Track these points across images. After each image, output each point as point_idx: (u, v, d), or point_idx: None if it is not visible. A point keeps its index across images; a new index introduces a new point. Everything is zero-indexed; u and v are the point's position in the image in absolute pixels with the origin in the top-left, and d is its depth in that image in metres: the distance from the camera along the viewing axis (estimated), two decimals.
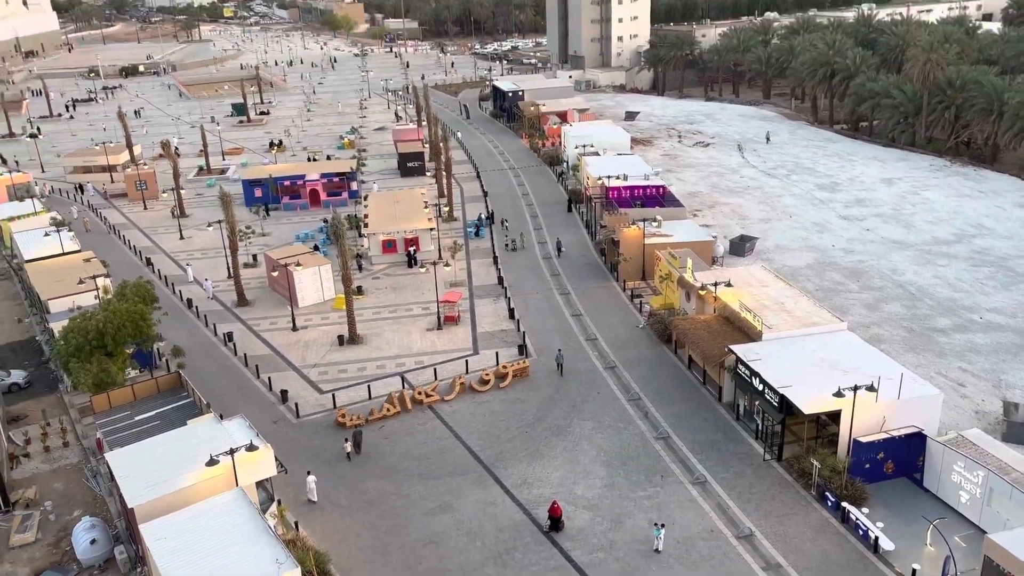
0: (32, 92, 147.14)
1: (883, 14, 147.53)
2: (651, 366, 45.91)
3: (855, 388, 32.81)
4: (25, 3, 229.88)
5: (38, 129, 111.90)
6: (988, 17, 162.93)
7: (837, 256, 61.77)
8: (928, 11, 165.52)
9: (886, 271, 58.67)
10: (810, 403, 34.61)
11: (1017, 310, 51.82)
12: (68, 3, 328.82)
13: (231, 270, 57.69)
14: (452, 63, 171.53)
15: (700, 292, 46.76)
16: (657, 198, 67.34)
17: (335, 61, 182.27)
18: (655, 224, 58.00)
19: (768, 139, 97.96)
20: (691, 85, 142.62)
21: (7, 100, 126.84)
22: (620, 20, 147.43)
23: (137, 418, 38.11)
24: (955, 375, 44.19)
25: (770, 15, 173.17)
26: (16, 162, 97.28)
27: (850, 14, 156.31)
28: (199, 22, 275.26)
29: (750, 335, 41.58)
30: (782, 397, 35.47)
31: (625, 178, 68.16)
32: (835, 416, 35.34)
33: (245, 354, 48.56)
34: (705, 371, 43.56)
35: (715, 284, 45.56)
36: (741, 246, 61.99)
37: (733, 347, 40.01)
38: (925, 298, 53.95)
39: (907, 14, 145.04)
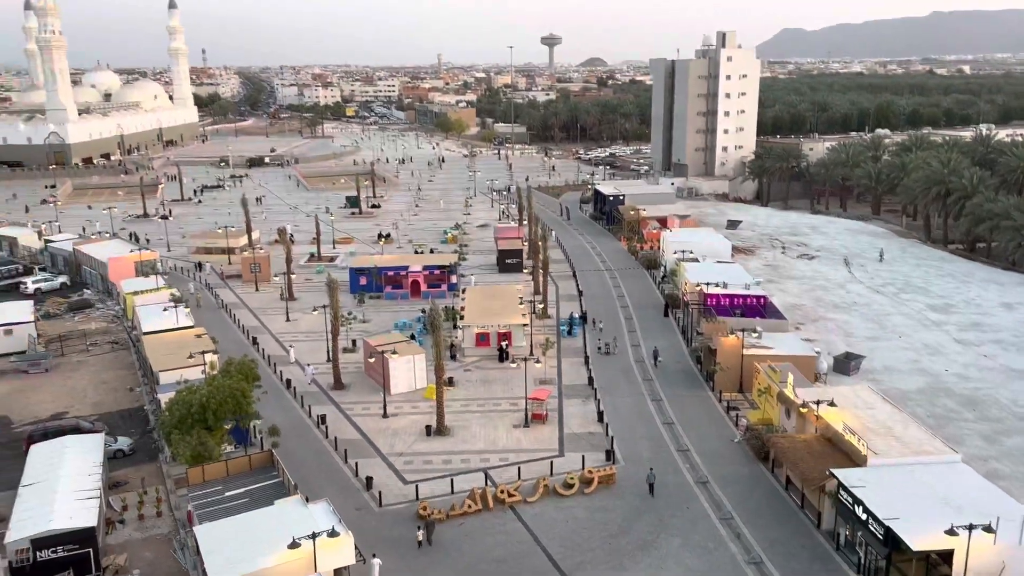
0: (168, 177, 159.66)
1: (1003, 134, 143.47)
2: (746, 484, 43.81)
3: (970, 527, 30.25)
4: (171, 98, 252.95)
5: (169, 211, 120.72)
6: None
7: (951, 382, 58.25)
8: None
9: (1006, 401, 54.79)
10: (920, 539, 32.06)
11: None
12: (209, 99, 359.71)
13: (330, 354, 59.39)
14: (554, 166, 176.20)
15: (801, 409, 44.81)
16: (758, 308, 65.83)
17: (443, 160, 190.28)
18: (755, 335, 56.54)
19: (881, 257, 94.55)
20: (796, 197, 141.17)
21: (146, 184, 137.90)
22: (725, 131, 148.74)
23: (228, 493, 38.96)
24: None
25: (880, 131, 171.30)
26: (147, 240, 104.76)
27: (967, 133, 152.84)
28: (323, 120, 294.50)
29: (854, 459, 39.28)
30: (888, 530, 33.03)
31: (725, 286, 67.18)
32: (947, 556, 32.53)
33: (336, 437, 49.31)
34: (804, 494, 41.19)
35: (817, 402, 43.59)
36: (846, 364, 59.42)
37: (835, 471, 37.82)
38: None
39: None
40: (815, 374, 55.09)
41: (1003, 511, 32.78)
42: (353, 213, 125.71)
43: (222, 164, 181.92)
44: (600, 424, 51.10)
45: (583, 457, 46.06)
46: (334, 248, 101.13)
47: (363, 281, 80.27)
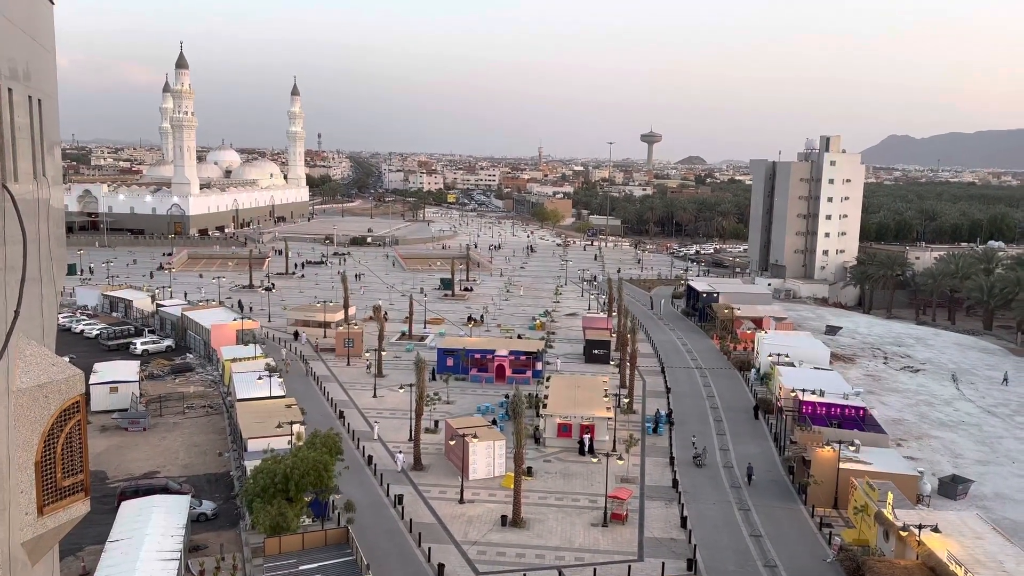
0: (276, 251, 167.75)
1: None
2: None
3: None
4: (285, 177, 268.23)
5: (273, 284, 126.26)
6: None
7: None
8: None
9: None
10: None
11: None
12: (320, 180, 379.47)
13: (412, 433, 59.68)
14: (639, 259, 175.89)
15: (902, 532, 41.76)
16: (856, 420, 62.64)
17: (532, 249, 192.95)
18: (852, 448, 53.66)
19: (1006, 380, 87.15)
20: (900, 306, 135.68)
21: (254, 256, 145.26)
22: (827, 235, 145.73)
23: (301, 568, 39.04)
24: None
25: (994, 243, 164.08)
26: (250, 309, 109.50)
27: None
28: (425, 204, 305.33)
29: None
30: None
31: (822, 394, 64.43)
32: None
33: (411, 520, 48.97)
34: None
35: (920, 526, 40.55)
36: (952, 488, 55.35)
37: None
38: None
39: None
40: (917, 496, 51.49)
41: None
42: (446, 295, 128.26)
43: (327, 241, 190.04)
44: (683, 530, 48.97)
45: (663, 564, 44.04)
46: (425, 328, 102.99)
47: (450, 362, 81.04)
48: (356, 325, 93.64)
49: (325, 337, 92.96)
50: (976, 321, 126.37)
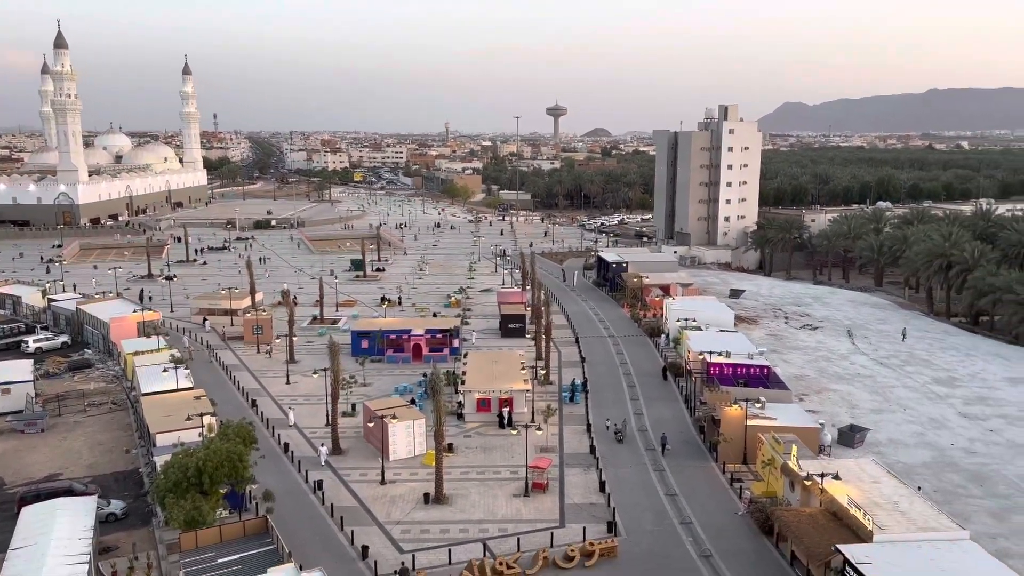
0: (174, 239, 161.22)
1: (1002, 209, 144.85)
2: (749, 559, 42.79)
3: None
4: (181, 161, 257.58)
5: (173, 273, 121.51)
6: None
7: (956, 456, 57.41)
8: None
9: (1014, 478, 53.84)
10: None
11: None
12: (218, 162, 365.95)
13: (329, 418, 58.88)
14: (545, 232, 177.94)
15: (805, 482, 44.06)
16: (761, 378, 65.44)
17: (438, 225, 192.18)
18: (758, 405, 56.06)
19: (904, 336, 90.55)
20: (799, 267, 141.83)
21: (152, 244, 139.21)
22: (728, 201, 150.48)
23: (220, 560, 38.15)
24: None
25: (882, 204, 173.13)
26: (150, 298, 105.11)
27: (967, 207, 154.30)
28: (331, 184, 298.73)
29: (859, 535, 38.43)
30: None
31: (728, 355, 66.92)
32: None
33: (332, 504, 48.47)
34: (809, 570, 40.16)
35: (822, 475, 42.91)
36: (851, 436, 58.67)
37: (841, 547, 36.97)
38: None
39: None
40: (819, 446, 54.38)
41: None
42: (357, 276, 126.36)
43: (228, 226, 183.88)
44: (602, 494, 50.24)
45: (584, 529, 45.13)
46: (337, 311, 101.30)
47: (365, 344, 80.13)
48: (264, 311, 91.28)
49: (232, 325, 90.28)
50: (868, 279, 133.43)
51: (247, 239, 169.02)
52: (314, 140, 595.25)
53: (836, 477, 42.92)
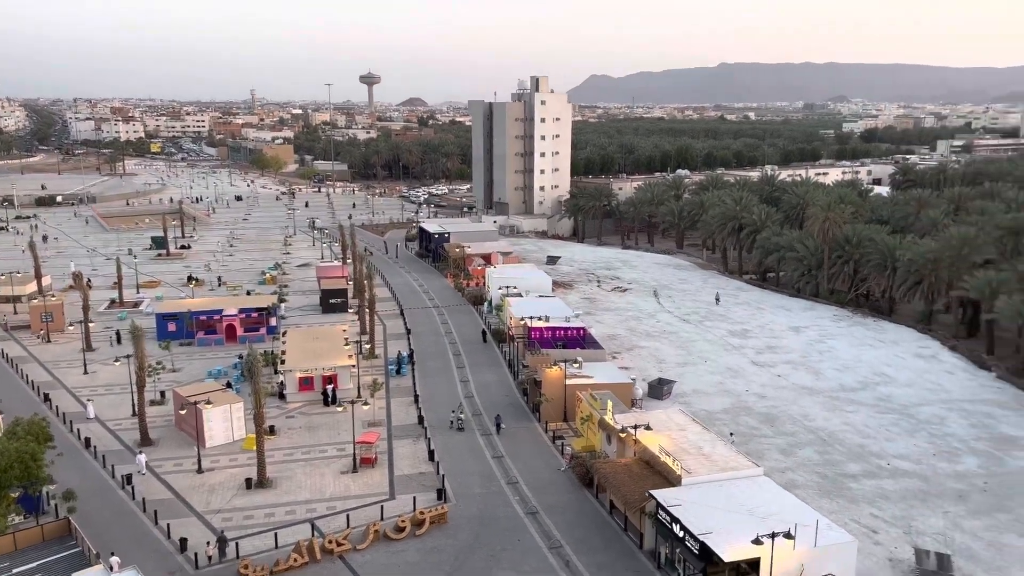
0: None
1: (784, 175, 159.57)
2: (573, 511, 45.02)
3: (772, 536, 32.80)
4: None
5: None
6: (877, 182, 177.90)
7: (751, 401, 63.33)
8: (824, 174, 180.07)
9: (798, 416, 60.29)
10: (730, 551, 34.32)
11: (921, 456, 53.60)
12: None
13: (136, 407, 54.93)
14: (353, 204, 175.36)
15: (620, 435, 46.85)
16: (578, 340, 68.49)
17: (239, 199, 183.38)
18: (576, 365, 58.65)
19: (718, 300, 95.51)
20: (609, 233, 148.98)
21: None
22: (542, 171, 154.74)
23: (16, 571, 34.77)
24: (868, 521, 44.80)
25: (681, 172, 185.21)
26: None
27: (755, 173, 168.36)
28: (124, 156, 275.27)
29: (670, 480, 41.53)
30: (703, 544, 35.10)
31: (547, 319, 69.35)
32: (754, 564, 35.03)
33: (144, 499, 45.46)
34: (627, 517, 42.94)
35: (635, 427, 45.80)
36: (659, 389, 62.99)
37: (653, 492, 39.78)
38: (836, 444, 55.36)
39: (806, 175, 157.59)
40: (632, 400, 57.94)
41: (800, 518, 35.91)
42: (160, 255, 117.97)
43: (5, 204, 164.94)
44: (431, 463, 50.71)
45: (414, 498, 45.42)
46: (139, 293, 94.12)
47: (172, 327, 75.29)
48: (54, 296, 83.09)
49: (16, 314, 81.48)
50: (670, 242, 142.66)
51: (28, 218, 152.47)
52: (103, 108, 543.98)
53: (648, 428, 45.97)
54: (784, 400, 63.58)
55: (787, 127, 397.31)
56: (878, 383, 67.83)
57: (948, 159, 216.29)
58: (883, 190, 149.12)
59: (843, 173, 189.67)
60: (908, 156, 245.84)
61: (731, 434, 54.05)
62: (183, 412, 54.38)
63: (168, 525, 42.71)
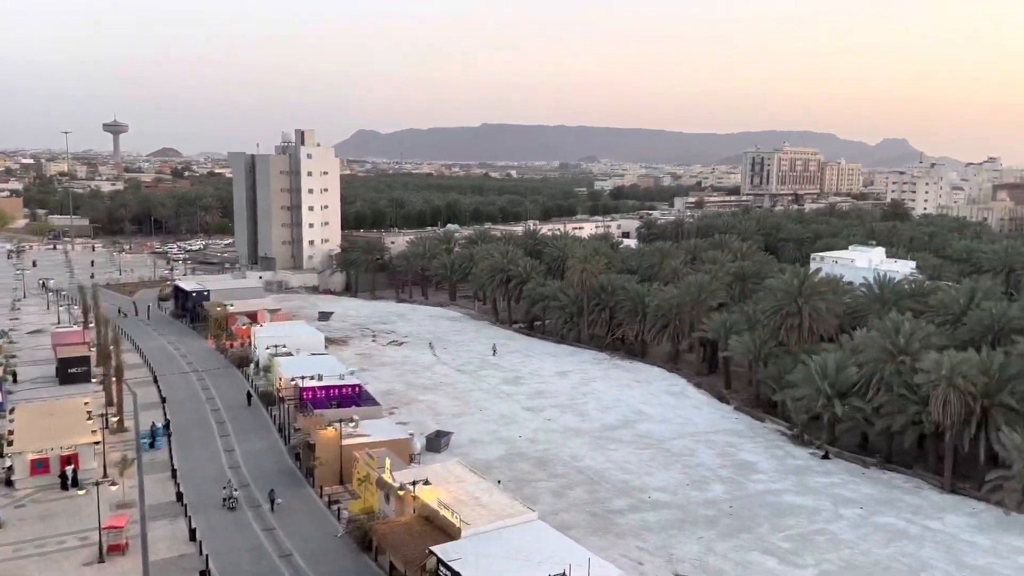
0: None
1: (545, 229, 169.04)
2: None
3: None
4: None
5: None
6: (626, 235, 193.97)
7: (524, 446, 65.22)
8: (580, 228, 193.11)
9: (567, 458, 62.99)
10: None
11: (677, 487, 58.08)
12: None
13: None
14: (111, 259, 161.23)
15: (399, 492, 46.01)
16: (353, 397, 66.87)
17: None
18: (352, 424, 57.09)
19: (495, 351, 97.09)
20: (383, 287, 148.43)
21: None
22: (311, 225, 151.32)
23: None
24: (634, 554, 47.50)
25: (451, 226, 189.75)
26: None
27: (519, 228, 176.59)
28: None
29: (450, 533, 41.32)
30: None
31: (320, 378, 67.08)
32: None
33: None
34: None
35: (413, 483, 45.23)
36: (437, 442, 62.96)
37: (434, 548, 39.33)
38: (603, 481, 58.45)
39: (564, 229, 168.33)
40: (410, 455, 57.30)
41: (573, 558, 37.20)
42: None
43: None
44: (193, 543, 46.45)
45: None
46: None
47: None
48: None
49: None
50: (444, 294, 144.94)
51: None
52: None
53: (427, 482, 45.59)
54: (554, 443, 66.19)
55: (546, 184, 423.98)
56: (636, 420, 72.90)
57: (684, 214, 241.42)
58: (631, 242, 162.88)
59: (596, 227, 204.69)
60: (651, 211, 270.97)
61: (499, 481, 55.07)
62: None
63: None
